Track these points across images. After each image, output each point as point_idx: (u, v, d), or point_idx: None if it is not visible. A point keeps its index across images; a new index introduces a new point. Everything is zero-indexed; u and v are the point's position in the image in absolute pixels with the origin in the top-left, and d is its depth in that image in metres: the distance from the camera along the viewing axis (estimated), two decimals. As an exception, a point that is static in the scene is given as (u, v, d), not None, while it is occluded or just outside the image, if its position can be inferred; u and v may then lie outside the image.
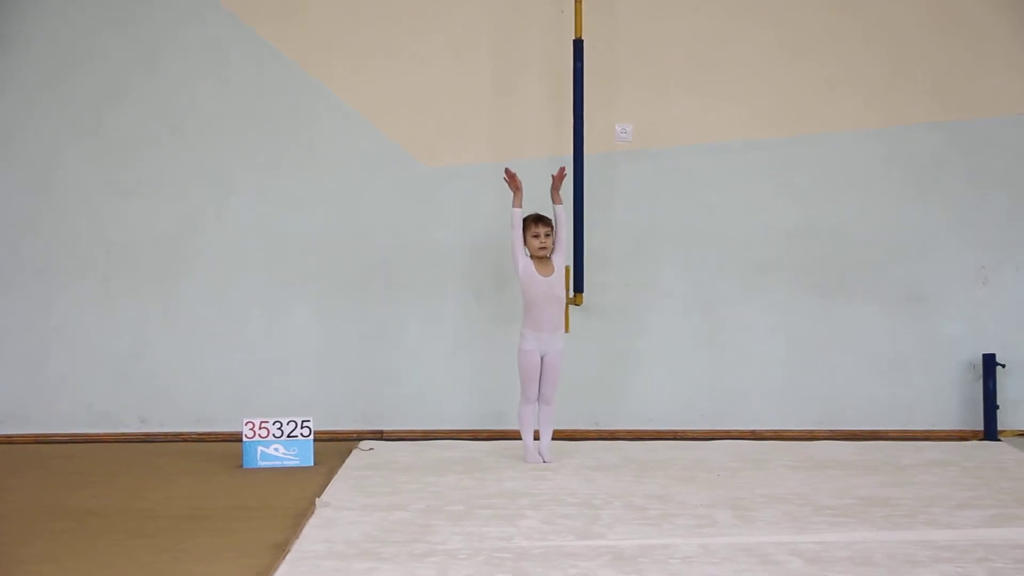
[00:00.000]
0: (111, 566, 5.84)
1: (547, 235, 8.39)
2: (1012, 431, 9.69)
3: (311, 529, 6.47)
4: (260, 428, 8.45)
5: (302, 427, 8.48)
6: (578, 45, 9.56)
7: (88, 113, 9.70)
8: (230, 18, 9.71)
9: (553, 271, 8.37)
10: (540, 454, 8.51)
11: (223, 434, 9.47)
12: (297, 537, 6.30)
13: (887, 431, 9.66)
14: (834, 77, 9.78)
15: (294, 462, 8.44)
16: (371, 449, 9.08)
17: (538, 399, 8.49)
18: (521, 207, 8.36)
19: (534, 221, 8.42)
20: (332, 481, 7.82)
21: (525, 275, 8.35)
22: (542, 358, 8.41)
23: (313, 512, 6.89)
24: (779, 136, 9.80)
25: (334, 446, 9.12)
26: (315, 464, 8.42)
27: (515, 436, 9.13)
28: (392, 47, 9.77)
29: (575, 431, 9.62)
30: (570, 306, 9.64)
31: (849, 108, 9.78)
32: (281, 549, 6.07)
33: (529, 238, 8.39)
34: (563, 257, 8.46)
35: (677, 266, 9.78)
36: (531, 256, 8.42)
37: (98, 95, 9.70)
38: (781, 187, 9.79)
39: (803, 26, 9.79)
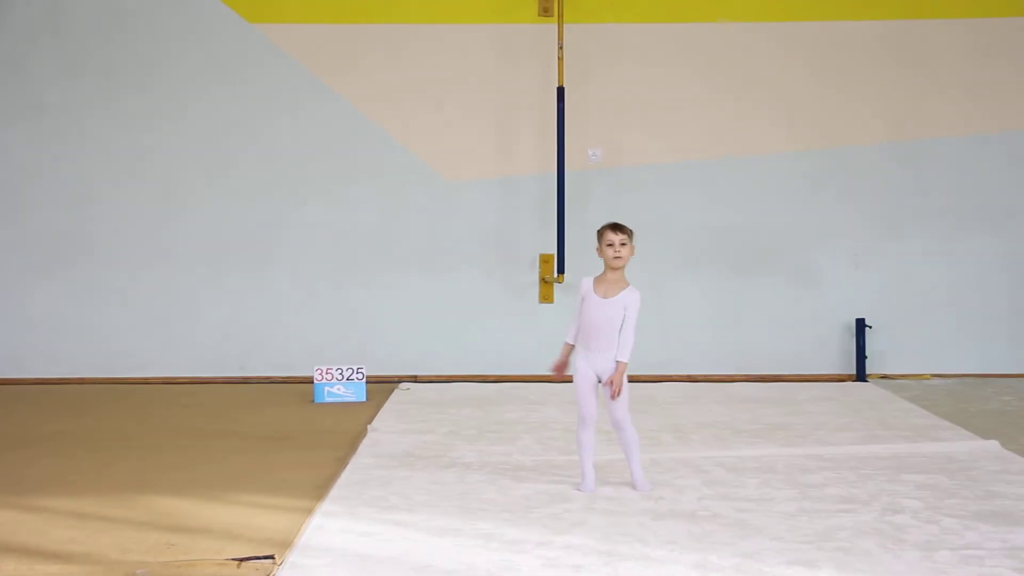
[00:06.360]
0: (217, 472, 5.89)
1: (623, 244, 5.56)
2: (876, 375, 9.71)
3: (364, 447, 6.52)
4: (327, 373, 8.47)
5: (357, 372, 8.50)
6: (560, 92, 9.51)
7: (201, 136, 9.66)
8: (299, 68, 9.63)
9: (615, 294, 5.57)
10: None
11: (300, 378, 9.46)
12: (354, 453, 6.34)
13: (786, 375, 9.68)
14: (751, 110, 9.69)
15: (351, 398, 8.46)
16: (408, 389, 9.10)
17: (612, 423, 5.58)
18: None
19: (611, 228, 5.59)
20: (379, 412, 7.85)
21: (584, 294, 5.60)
22: (598, 378, 5.54)
23: (366, 435, 6.93)
24: (709, 158, 9.76)
25: (381, 387, 9.12)
26: (367, 400, 8.44)
27: (516, 379, 9.13)
28: (422, 91, 9.68)
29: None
30: (554, 284, 9.64)
31: (759, 134, 9.71)
32: (342, 461, 6.11)
33: (604, 246, 5.57)
34: (628, 301, 5.63)
35: (635, 254, 9.71)
36: (605, 269, 5.62)
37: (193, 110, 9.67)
38: (709, 196, 9.74)
39: (729, 71, 9.69)
